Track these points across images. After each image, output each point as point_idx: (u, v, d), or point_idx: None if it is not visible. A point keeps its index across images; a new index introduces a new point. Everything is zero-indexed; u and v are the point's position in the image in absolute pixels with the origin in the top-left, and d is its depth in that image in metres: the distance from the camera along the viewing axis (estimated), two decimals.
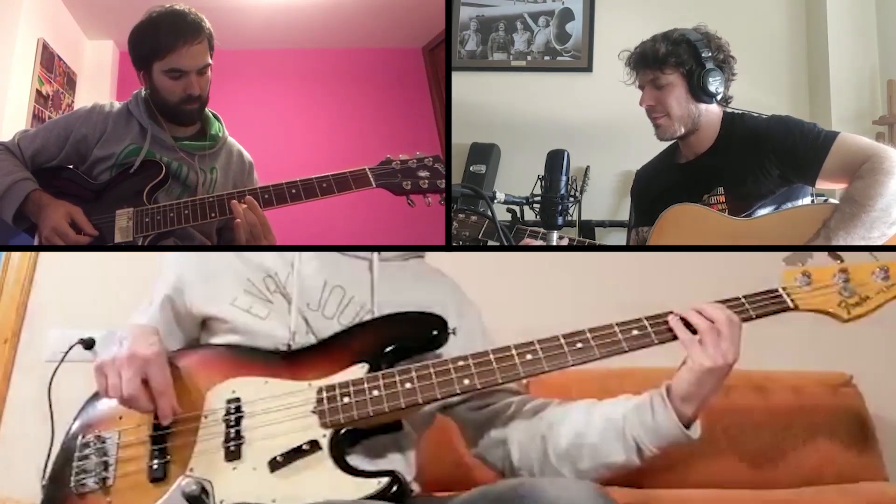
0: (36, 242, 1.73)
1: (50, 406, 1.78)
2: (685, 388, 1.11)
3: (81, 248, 1.68)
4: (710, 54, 1.84)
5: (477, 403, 1.27)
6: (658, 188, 1.97)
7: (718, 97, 1.85)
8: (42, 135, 1.77)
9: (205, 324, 1.30)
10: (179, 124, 1.79)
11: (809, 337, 1.85)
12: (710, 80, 1.82)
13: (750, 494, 1.73)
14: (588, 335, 1.14)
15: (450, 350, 1.18)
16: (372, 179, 1.63)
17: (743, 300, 1.16)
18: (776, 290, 1.17)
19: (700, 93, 1.83)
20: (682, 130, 1.87)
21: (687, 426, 1.11)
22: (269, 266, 1.30)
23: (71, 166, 1.77)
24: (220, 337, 1.26)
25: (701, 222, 1.77)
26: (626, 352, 1.14)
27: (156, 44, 1.71)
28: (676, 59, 1.84)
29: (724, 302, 1.15)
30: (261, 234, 1.57)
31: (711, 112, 1.88)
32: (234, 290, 1.27)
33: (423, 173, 1.64)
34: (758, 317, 1.15)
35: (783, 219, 1.72)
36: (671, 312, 1.15)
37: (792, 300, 1.16)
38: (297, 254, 1.31)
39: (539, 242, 1.79)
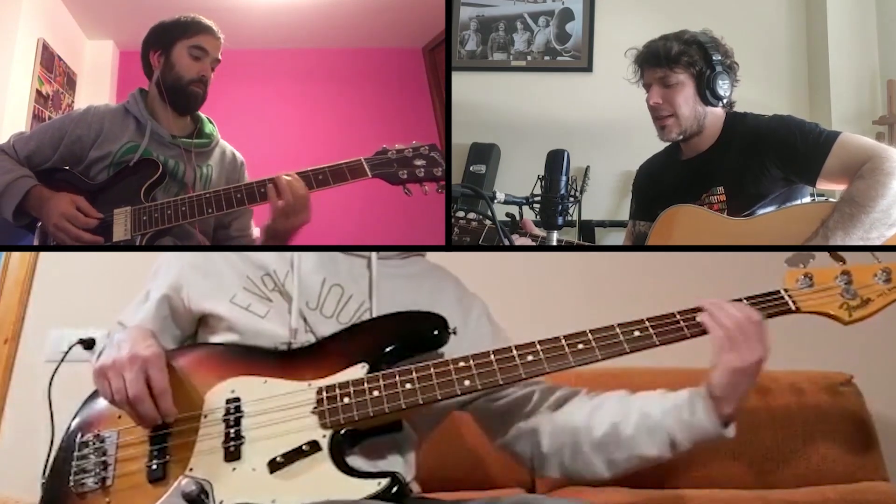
0: (37, 237, 1.73)
1: (50, 406, 1.78)
2: (722, 390, 1.11)
3: (81, 248, 1.68)
4: (719, 58, 1.84)
5: (495, 395, 1.26)
6: (659, 184, 1.97)
7: (724, 101, 1.85)
8: (36, 136, 1.78)
9: (203, 321, 1.29)
10: (180, 110, 1.81)
11: (810, 337, 1.84)
12: (720, 82, 1.82)
13: (750, 494, 1.73)
14: (589, 336, 1.14)
15: (461, 343, 1.19)
16: (368, 169, 1.62)
17: (745, 302, 1.16)
18: (778, 292, 1.17)
19: (708, 95, 1.83)
20: (687, 132, 1.87)
21: (724, 425, 1.13)
22: (267, 264, 1.30)
23: (66, 168, 1.77)
24: (218, 335, 1.26)
25: (699, 223, 1.77)
26: (627, 353, 1.14)
27: (186, 27, 1.81)
28: (688, 59, 1.83)
29: None
30: (304, 208, 1.58)
31: (715, 113, 1.87)
32: (233, 287, 1.27)
33: (419, 162, 1.63)
34: None
35: (781, 217, 1.72)
36: (674, 314, 1.15)
37: (794, 302, 1.16)
38: (296, 252, 1.31)
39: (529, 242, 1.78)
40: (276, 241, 1.64)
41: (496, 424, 1.28)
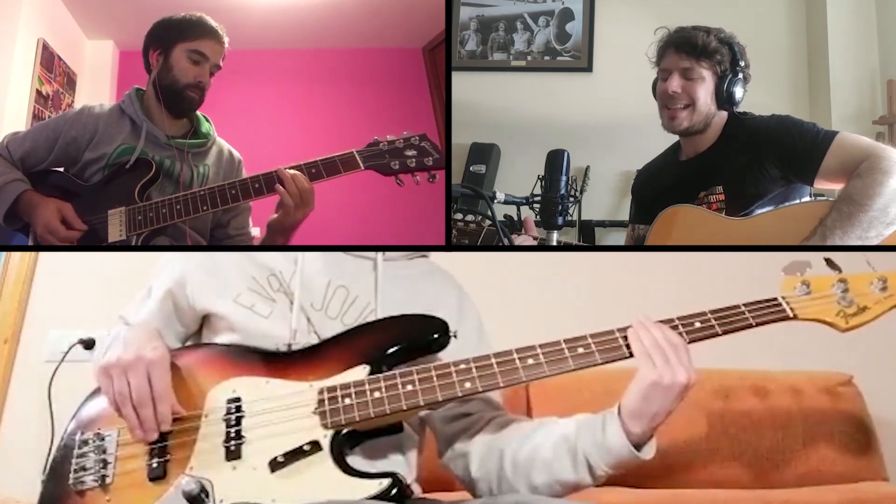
0: (31, 239, 1.73)
1: (50, 406, 1.78)
2: (633, 404, 1.08)
3: (80, 249, 1.68)
4: (742, 64, 1.84)
5: (452, 414, 1.25)
6: (658, 185, 1.97)
7: (734, 107, 1.85)
8: (31, 137, 1.77)
9: (206, 320, 1.29)
10: (175, 113, 1.80)
11: (809, 338, 1.85)
12: (737, 88, 1.83)
13: (750, 494, 1.73)
14: (590, 340, 1.13)
15: (443, 352, 1.17)
16: (360, 161, 1.62)
17: (743, 308, 1.15)
18: (775, 299, 1.16)
19: (724, 98, 1.83)
20: (694, 127, 1.86)
21: (639, 446, 1.08)
22: (273, 265, 1.29)
23: (61, 169, 1.77)
24: (221, 335, 1.25)
25: (698, 223, 1.77)
26: (627, 357, 1.13)
27: (189, 29, 1.79)
28: (719, 58, 1.83)
29: (723, 310, 1.14)
30: (311, 200, 1.60)
31: (720, 114, 1.87)
32: (237, 286, 1.26)
33: (410, 152, 1.63)
34: (757, 325, 1.14)
35: (779, 216, 1.72)
36: (672, 319, 1.15)
37: (791, 309, 1.15)
38: (300, 252, 1.31)
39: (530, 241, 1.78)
40: (282, 235, 1.64)
41: (442, 444, 1.27)
